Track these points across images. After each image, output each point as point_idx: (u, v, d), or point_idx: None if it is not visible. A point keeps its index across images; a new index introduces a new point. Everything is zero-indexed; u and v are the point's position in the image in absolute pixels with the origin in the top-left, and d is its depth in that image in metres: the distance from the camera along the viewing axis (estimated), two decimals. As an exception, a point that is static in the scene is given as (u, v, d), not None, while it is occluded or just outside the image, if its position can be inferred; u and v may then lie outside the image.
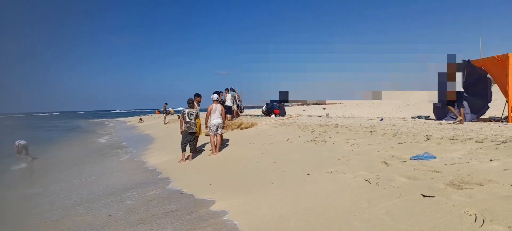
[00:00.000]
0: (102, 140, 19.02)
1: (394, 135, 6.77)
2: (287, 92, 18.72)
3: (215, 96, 9.28)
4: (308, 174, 5.24)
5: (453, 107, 9.45)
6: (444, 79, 11.43)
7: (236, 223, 3.98)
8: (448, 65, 9.74)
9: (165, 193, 6.08)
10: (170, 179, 7.14)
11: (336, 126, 9.41)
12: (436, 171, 4.19)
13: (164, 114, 26.79)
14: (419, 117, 13.11)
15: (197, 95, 9.82)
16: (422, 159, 4.77)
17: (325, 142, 7.46)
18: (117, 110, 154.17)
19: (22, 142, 12.77)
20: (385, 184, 4.10)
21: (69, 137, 23.09)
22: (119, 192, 6.54)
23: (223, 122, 9.40)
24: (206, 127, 9.28)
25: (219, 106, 9.26)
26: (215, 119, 9.07)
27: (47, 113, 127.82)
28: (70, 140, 20.86)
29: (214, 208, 4.69)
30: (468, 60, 10.73)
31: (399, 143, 6.09)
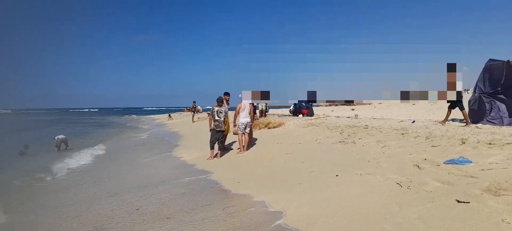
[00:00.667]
0: (135, 137, 19.60)
1: (427, 138, 6.58)
2: (315, 92, 18.59)
3: (250, 93, 9.40)
4: (337, 175, 5.21)
5: (453, 109, 10.17)
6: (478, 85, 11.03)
7: (265, 222, 4.03)
8: (448, 74, 9.61)
9: (199, 185, 6.23)
10: (206, 173, 7.31)
11: (366, 127, 9.25)
12: (471, 176, 4.05)
13: (192, 113, 26.79)
14: (453, 120, 12.65)
15: (226, 93, 9.95)
16: (457, 163, 4.62)
17: (355, 143, 7.36)
18: (148, 108, 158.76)
19: (61, 137, 13.47)
20: (417, 188, 4.01)
21: (107, 133, 23.99)
22: (151, 185, 6.77)
23: (252, 121, 9.47)
24: (235, 126, 9.40)
25: (247, 105, 9.35)
26: (244, 117, 9.17)
27: (86, 110, 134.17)
28: (107, 136, 21.66)
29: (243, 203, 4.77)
30: (508, 61, 10.26)
31: (432, 146, 5.91)
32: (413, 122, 11.28)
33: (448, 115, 10.42)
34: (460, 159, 4.74)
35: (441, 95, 10.09)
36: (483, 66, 11.09)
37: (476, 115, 10.88)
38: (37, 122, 42.21)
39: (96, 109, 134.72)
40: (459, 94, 9.97)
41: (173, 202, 5.39)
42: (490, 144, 5.47)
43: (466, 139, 6.00)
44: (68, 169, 9.53)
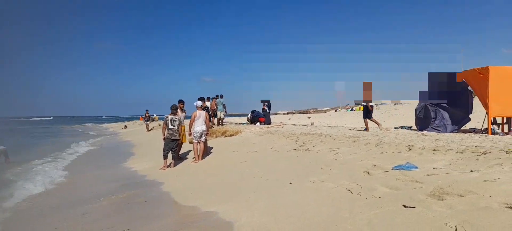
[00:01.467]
0: (84, 149, 18.48)
1: (377, 145, 6.78)
2: (268, 101, 18.80)
3: (199, 103, 9.17)
4: (291, 183, 5.17)
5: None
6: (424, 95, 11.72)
7: (215, 233, 3.87)
8: (365, 92, 11.08)
9: (148, 196, 5.90)
10: (157, 184, 6.97)
11: (320, 134, 9.40)
12: (417, 181, 4.17)
13: (146, 122, 25.57)
14: (402, 127, 13.27)
15: (180, 101, 9.68)
16: (404, 169, 4.77)
17: (309, 150, 7.42)
18: (103, 116, 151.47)
19: (1, 147, 12.32)
20: (366, 194, 4.05)
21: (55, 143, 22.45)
22: (98, 197, 6.33)
23: (207, 129, 9.27)
24: (190, 134, 9.15)
25: (203, 113, 9.16)
26: (199, 126, 8.96)
27: (38, 118, 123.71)
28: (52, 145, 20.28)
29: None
30: (452, 73, 10.96)
31: (382, 153, 6.09)
32: (365, 129, 11.67)
33: (366, 123, 11.46)
34: (407, 165, 4.89)
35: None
36: (428, 75, 11.76)
37: (422, 123, 11.49)
38: None
39: (50, 118, 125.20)
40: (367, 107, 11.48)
41: (112, 218, 5.05)
42: (434, 150, 5.73)
43: (412, 146, 6.25)
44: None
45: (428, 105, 11.34)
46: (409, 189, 3.96)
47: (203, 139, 9.01)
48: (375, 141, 7.20)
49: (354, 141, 7.57)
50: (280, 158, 7.31)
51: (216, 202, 5.07)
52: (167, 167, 8.72)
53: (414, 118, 12.28)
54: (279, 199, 4.54)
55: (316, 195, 4.42)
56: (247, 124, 18.68)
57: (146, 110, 25.80)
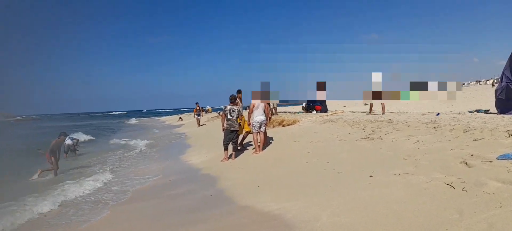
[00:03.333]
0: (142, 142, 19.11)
1: (465, 131, 5.91)
2: (324, 82, 17.92)
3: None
4: (371, 176, 4.59)
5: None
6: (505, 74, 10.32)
7: (295, 234, 3.44)
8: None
9: (207, 196, 5.66)
10: (216, 179, 6.75)
11: (390, 121, 8.58)
12: (538, 174, 3.42)
13: (197, 117, 23.14)
14: (478, 111, 11.92)
15: (239, 91, 9.40)
16: (513, 159, 3.98)
17: (382, 139, 6.72)
18: (161, 110, 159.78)
19: (68, 142, 13.05)
20: (474, 190, 3.39)
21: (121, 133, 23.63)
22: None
23: (267, 119, 8.88)
24: (249, 124, 8.83)
25: (261, 102, 8.76)
26: (258, 115, 8.58)
27: (113, 113, 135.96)
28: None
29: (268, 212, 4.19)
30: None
31: (475, 140, 5.25)
32: (438, 114, 10.59)
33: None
34: (516, 154, 4.09)
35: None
36: (510, 54, 10.35)
37: (504, 105, 10.18)
38: (57, 127, 41.96)
39: (124, 112, 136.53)
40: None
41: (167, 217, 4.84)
42: (544, 135, 4.81)
43: (513, 131, 5.33)
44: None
45: (510, 86, 10.00)
46: (531, 184, 3.24)
47: (262, 129, 8.63)
48: (461, 127, 6.31)
49: (434, 127, 6.72)
50: (350, 148, 6.70)
51: (287, 197, 4.64)
52: (228, 158, 8.49)
53: (493, 100, 10.96)
54: (362, 195, 4.00)
55: (407, 190, 3.82)
56: (302, 112, 18.07)
57: (196, 103, 23.37)
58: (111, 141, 19.60)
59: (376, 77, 11.42)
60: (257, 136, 8.61)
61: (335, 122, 10.31)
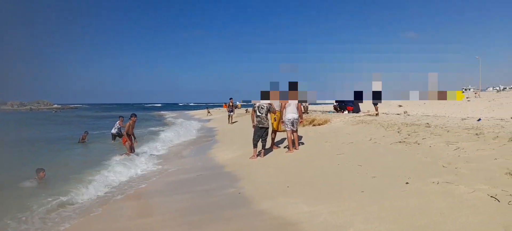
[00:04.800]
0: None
1: (511, 140, 5.55)
2: (361, 92, 17.44)
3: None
4: (407, 183, 4.41)
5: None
6: None
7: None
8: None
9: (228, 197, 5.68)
10: (244, 177, 6.77)
11: (428, 125, 8.23)
12: None
13: (229, 113, 22.24)
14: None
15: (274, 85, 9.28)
16: None
17: (419, 144, 6.45)
18: (190, 104, 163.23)
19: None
20: (522, 205, 3.16)
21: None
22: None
23: (300, 117, 8.74)
24: (282, 122, 8.72)
25: (295, 100, 8.62)
26: (291, 112, 8.44)
27: (150, 105, 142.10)
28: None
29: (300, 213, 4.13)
30: None
31: (522, 150, 4.92)
32: (479, 119, 10.05)
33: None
34: None
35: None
36: None
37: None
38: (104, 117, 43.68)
39: (159, 105, 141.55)
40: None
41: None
42: None
43: None
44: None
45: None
46: None
47: (295, 127, 8.50)
48: (506, 135, 5.93)
49: (476, 134, 6.37)
50: (384, 152, 6.49)
51: (318, 200, 4.56)
52: (257, 156, 8.47)
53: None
54: (397, 203, 3.85)
55: (446, 200, 3.62)
56: (333, 112, 17.76)
57: (230, 98, 22.49)
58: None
59: (377, 85, 11.14)
60: (290, 134, 8.46)
61: (368, 124, 10.04)
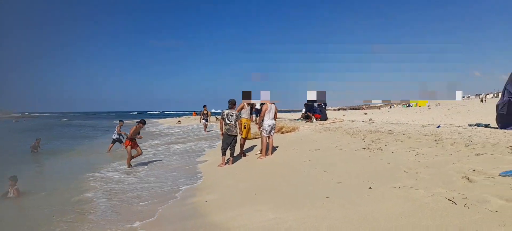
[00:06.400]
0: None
1: (467, 145, 5.84)
2: (324, 92, 17.87)
3: (269, 94, 8.77)
4: (370, 188, 4.51)
5: None
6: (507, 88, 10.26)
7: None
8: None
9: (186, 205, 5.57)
10: (212, 185, 6.66)
11: (391, 132, 8.51)
12: (543, 193, 3.33)
13: (204, 121, 20.97)
14: (478, 125, 11.84)
15: (246, 93, 9.35)
16: (517, 176, 3.90)
17: (382, 150, 6.64)
18: (157, 112, 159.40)
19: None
20: (476, 207, 3.30)
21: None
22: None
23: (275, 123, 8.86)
24: (259, 128, 8.74)
25: (273, 106, 8.69)
26: (270, 119, 8.54)
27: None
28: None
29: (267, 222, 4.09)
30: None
31: (477, 155, 5.17)
32: (439, 126, 10.52)
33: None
34: (520, 171, 4.01)
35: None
36: (512, 68, 10.30)
37: (506, 120, 10.08)
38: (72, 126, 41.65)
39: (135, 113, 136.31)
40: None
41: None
42: (548, 152, 4.73)
43: (516, 147, 5.25)
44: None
45: (512, 101, 9.93)
46: (536, 203, 3.15)
47: (272, 133, 8.60)
48: (463, 141, 6.24)
49: (435, 140, 6.65)
50: (348, 158, 6.62)
51: (285, 207, 4.55)
52: (226, 164, 8.39)
53: (494, 114, 10.87)
54: (362, 208, 3.91)
55: (408, 204, 3.73)
56: (301, 120, 18.00)
57: (204, 106, 21.27)
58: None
59: (311, 94, 12.32)
60: (266, 140, 8.52)
61: (334, 131, 10.24)
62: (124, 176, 8.59)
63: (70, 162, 11.62)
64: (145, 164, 10.32)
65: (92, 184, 7.53)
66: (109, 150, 13.94)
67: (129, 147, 9.94)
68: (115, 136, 14.59)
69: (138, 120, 10.64)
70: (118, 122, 15.42)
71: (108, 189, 7.18)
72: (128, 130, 11.43)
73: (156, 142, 17.62)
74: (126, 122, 17.51)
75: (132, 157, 10.01)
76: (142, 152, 10.43)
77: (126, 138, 10.22)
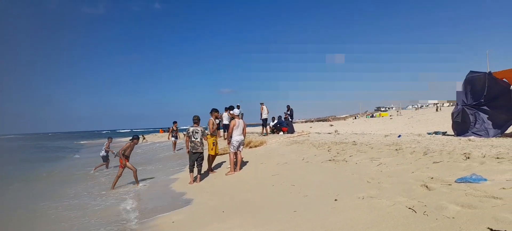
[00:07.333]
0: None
1: (425, 153, 6.12)
2: (291, 109, 18.22)
3: (237, 111, 8.76)
4: (336, 200, 4.59)
5: None
6: (461, 97, 10.92)
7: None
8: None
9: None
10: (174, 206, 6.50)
11: (354, 143, 8.76)
12: (494, 197, 3.53)
13: (173, 139, 18.73)
14: (436, 133, 12.46)
15: (215, 110, 9.39)
16: (471, 182, 4.12)
17: (346, 161, 6.81)
18: (120, 130, 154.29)
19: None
20: (435, 214, 3.44)
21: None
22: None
23: (244, 139, 8.85)
24: (228, 143, 8.69)
25: (241, 122, 8.70)
26: (238, 135, 8.52)
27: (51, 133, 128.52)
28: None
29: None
30: (489, 72, 10.19)
31: (434, 162, 5.43)
32: (399, 136, 10.96)
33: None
34: (473, 177, 4.24)
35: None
36: (465, 78, 10.99)
37: (460, 127, 10.69)
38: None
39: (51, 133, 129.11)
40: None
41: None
42: (498, 158, 5.05)
43: (469, 153, 5.57)
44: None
45: (466, 109, 10.56)
46: (488, 207, 3.33)
47: (241, 148, 8.58)
48: (422, 149, 6.53)
49: (396, 149, 6.92)
50: (315, 171, 6.72)
51: (251, 224, 4.52)
52: (194, 181, 8.26)
53: (450, 122, 11.49)
54: (328, 220, 3.96)
55: (371, 214, 3.82)
56: (265, 135, 18.10)
57: (174, 122, 19.06)
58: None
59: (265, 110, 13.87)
60: (234, 155, 8.50)
61: (301, 144, 10.38)
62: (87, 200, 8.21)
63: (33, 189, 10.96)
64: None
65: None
66: (96, 169, 13.78)
67: (122, 169, 9.49)
68: (102, 153, 14.27)
69: (132, 137, 10.24)
70: (107, 139, 15.32)
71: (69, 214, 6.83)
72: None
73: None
74: (93, 142, 17.29)
75: (119, 177, 9.51)
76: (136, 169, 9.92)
77: (123, 157, 9.58)
